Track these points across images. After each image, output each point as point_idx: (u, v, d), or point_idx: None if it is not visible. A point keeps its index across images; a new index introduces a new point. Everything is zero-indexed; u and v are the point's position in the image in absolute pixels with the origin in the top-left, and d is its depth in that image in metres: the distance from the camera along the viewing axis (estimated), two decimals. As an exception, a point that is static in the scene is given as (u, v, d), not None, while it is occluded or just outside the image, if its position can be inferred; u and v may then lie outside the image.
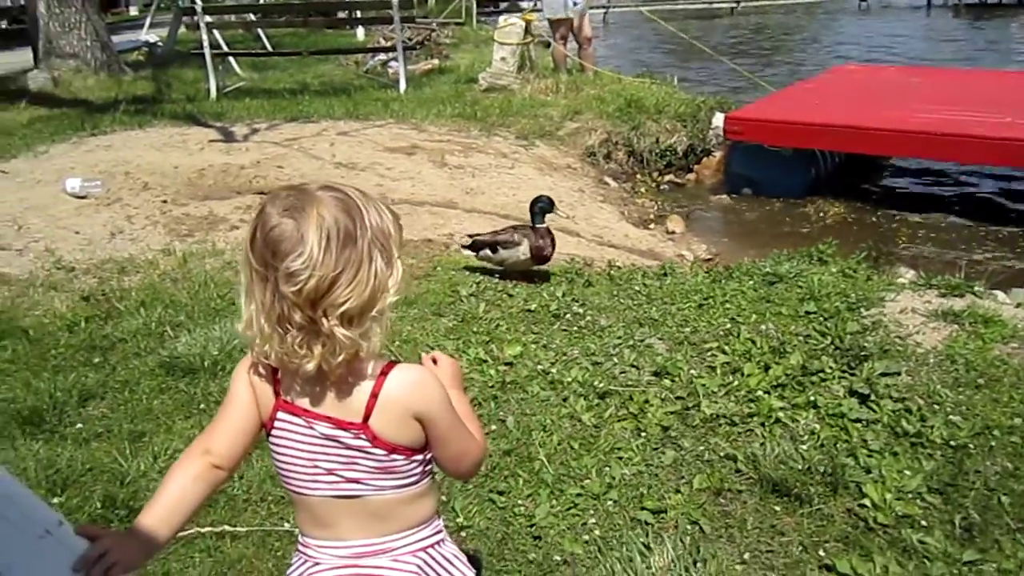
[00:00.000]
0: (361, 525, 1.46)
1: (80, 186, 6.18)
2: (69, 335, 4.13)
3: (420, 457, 1.46)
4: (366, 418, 1.39)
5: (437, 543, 1.54)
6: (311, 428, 1.41)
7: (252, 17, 13.56)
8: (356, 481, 1.43)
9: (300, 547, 1.52)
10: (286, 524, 2.68)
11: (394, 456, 1.42)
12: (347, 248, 1.31)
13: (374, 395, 1.39)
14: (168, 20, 14.76)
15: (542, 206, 4.51)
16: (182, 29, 14.59)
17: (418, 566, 1.49)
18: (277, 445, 1.46)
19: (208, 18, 11.04)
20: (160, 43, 14.54)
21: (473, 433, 1.52)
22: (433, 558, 1.52)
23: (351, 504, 1.45)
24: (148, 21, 15.93)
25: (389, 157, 7.54)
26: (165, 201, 6.19)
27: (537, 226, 4.50)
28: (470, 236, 4.80)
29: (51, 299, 4.56)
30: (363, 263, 1.32)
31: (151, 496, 1.46)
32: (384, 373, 1.40)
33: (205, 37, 10.77)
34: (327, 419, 1.40)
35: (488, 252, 4.59)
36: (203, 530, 2.66)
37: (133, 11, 25.69)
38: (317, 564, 1.48)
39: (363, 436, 1.39)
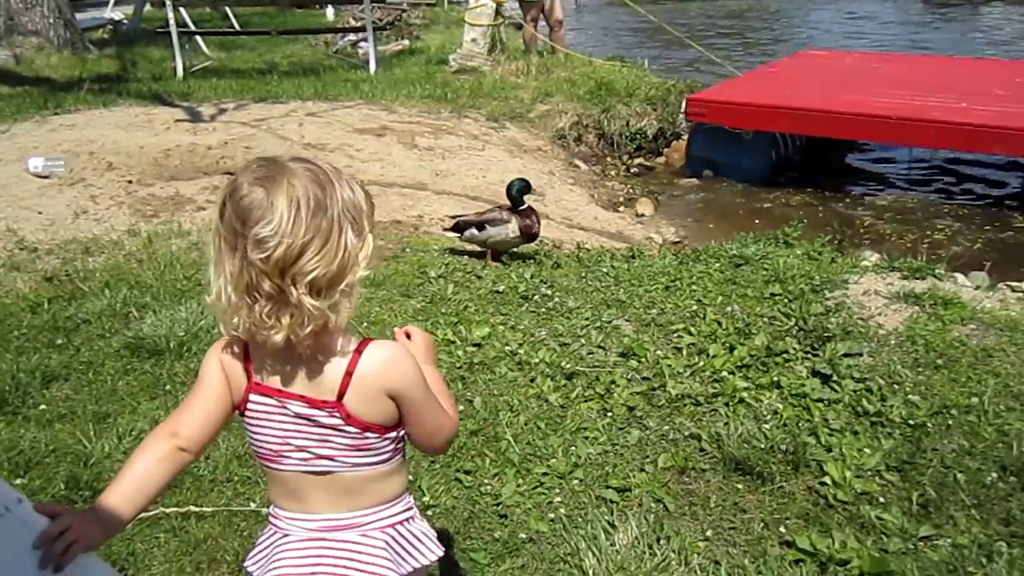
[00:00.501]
0: (332, 500, 1.47)
1: (43, 165, 6.07)
2: (32, 316, 4.08)
3: (393, 435, 1.46)
4: (340, 396, 1.39)
5: (406, 520, 1.54)
6: (284, 408, 1.41)
7: (220, -5, 13.36)
8: (328, 458, 1.43)
9: (271, 518, 1.53)
10: (252, 504, 2.69)
11: (368, 434, 1.42)
12: (317, 217, 1.30)
13: (349, 373, 1.39)
14: (133, -3, 14.50)
15: (519, 188, 4.55)
16: (148, 7, 14.31)
17: (386, 542, 1.49)
18: (251, 426, 1.46)
19: (175, -5, 10.83)
20: (125, 21, 14.29)
21: (446, 409, 1.53)
22: (402, 535, 1.53)
23: (323, 479, 1.45)
24: (113, -2, 15.64)
25: (358, 138, 7.49)
26: (130, 181, 6.11)
27: (520, 208, 4.54)
28: (452, 217, 4.80)
29: (13, 279, 4.50)
30: (332, 233, 1.32)
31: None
32: (359, 351, 1.40)
33: (171, 15, 10.58)
34: (300, 398, 1.40)
35: (474, 231, 4.60)
36: (168, 510, 2.65)
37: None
38: (286, 536, 1.49)
39: (337, 414, 1.40)
